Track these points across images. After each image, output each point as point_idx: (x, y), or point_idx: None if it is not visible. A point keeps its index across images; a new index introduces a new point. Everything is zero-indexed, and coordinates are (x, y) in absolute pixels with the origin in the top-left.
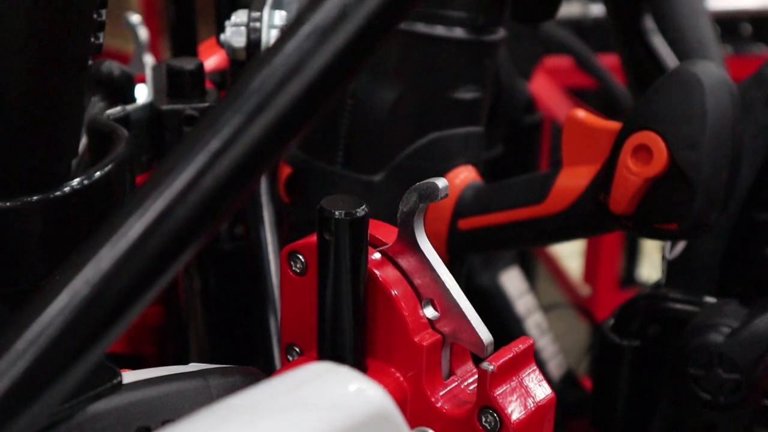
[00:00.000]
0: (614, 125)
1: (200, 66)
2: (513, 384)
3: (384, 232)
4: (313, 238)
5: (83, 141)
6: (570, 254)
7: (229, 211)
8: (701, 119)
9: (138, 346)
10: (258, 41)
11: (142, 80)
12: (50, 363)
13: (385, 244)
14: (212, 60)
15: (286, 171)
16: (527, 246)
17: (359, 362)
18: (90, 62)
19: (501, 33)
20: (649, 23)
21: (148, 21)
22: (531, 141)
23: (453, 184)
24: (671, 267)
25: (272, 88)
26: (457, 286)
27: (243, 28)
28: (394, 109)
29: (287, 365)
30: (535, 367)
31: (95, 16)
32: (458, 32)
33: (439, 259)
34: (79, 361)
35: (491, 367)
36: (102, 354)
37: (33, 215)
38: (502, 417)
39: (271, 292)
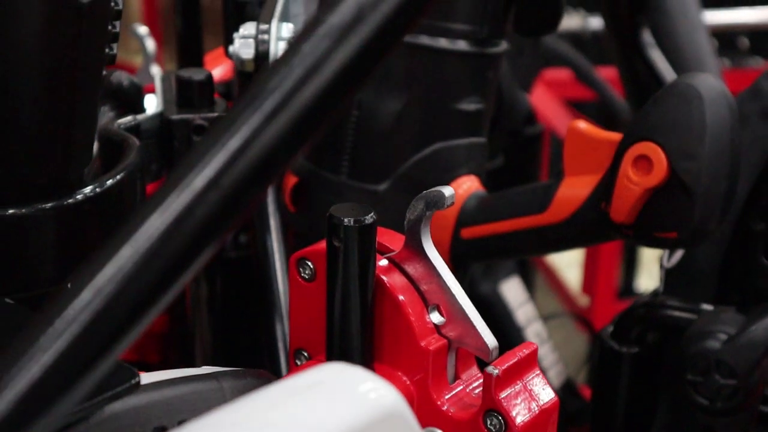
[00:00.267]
0: (615, 136)
1: (209, 76)
2: (517, 388)
3: (391, 239)
4: (322, 244)
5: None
6: (568, 265)
7: (248, 210)
8: (701, 131)
9: (143, 353)
10: (266, 53)
11: (150, 90)
12: (73, 361)
13: (392, 251)
14: (217, 71)
15: (291, 180)
16: (529, 254)
17: (367, 366)
18: (104, 72)
19: (503, 45)
20: (647, 37)
21: (150, 32)
22: (531, 152)
23: (456, 194)
24: (669, 275)
25: (291, 87)
26: (463, 292)
27: (251, 40)
28: (399, 120)
29: (296, 369)
30: (538, 372)
31: (110, 27)
32: (462, 45)
33: (445, 266)
34: (101, 359)
35: (496, 371)
36: (123, 352)
37: (47, 222)
38: (507, 420)
39: (278, 299)
